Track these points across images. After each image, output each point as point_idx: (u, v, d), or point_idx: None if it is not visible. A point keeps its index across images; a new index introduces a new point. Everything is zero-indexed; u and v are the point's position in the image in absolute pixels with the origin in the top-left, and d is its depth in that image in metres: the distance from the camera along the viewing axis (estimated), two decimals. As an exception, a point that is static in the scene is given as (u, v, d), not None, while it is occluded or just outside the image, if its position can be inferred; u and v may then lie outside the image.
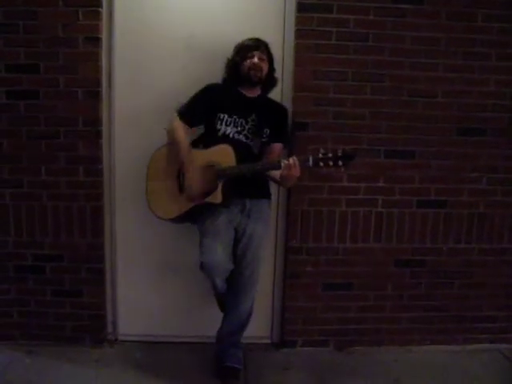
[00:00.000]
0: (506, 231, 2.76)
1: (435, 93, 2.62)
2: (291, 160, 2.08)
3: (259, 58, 2.28)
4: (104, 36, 2.49)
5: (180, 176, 2.27)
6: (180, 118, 2.30)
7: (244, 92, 2.35)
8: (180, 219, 2.34)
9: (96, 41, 2.45)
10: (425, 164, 2.66)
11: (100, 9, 2.44)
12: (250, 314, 2.43)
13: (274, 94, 2.50)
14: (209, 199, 2.21)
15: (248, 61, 2.27)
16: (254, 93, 2.37)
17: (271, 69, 2.35)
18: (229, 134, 2.29)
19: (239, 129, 2.30)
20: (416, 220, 2.69)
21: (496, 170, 2.71)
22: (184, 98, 2.33)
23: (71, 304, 2.62)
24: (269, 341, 2.81)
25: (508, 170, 2.71)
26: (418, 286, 2.75)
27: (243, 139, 2.30)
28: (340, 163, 2.05)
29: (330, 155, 2.06)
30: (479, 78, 2.64)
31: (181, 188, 2.27)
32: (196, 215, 2.33)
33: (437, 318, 2.79)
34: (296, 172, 2.09)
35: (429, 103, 2.62)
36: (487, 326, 2.83)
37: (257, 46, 2.29)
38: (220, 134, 2.29)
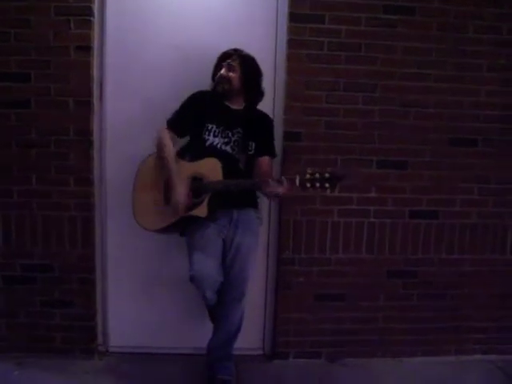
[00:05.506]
0: (498, 242, 2.76)
1: (427, 103, 2.63)
2: (280, 190, 2.07)
3: (227, 69, 2.25)
4: (95, 45, 2.49)
5: (166, 187, 2.26)
6: (169, 128, 2.28)
7: (228, 103, 2.33)
8: (166, 231, 2.33)
9: (87, 50, 2.45)
10: (417, 174, 2.66)
11: (91, 18, 2.44)
12: (239, 326, 2.39)
13: (267, 104, 2.50)
14: (194, 212, 2.19)
15: (218, 72, 2.27)
16: (237, 105, 2.34)
17: (248, 79, 2.28)
18: (216, 144, 2.28)
19: (226, 140, 2.28)
20: (408, 230, 2.69)
21: (488, 180, 2.71)
22: (176, 108, 2.32)
23: (61, 315, 2.59)
24: (261, 352, 2.79)
25: (500, 180, 2.72)
26: (411, 296, 2.74)
27: (230, 151, 2.28)
28: (327, 185, 2.01)
29: (318, 176, 2.01)
30: (470, 88, 2.65)
31: (167, 200, 2.25)
32: (183, 227, 2.31)
33: (429, 329, 2.78)
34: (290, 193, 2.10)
35: (420, 113, 2.63)
36: (480, 337, 2.82)
37: (227, 55, 2.26)
38: (207, 144, 2.27)
